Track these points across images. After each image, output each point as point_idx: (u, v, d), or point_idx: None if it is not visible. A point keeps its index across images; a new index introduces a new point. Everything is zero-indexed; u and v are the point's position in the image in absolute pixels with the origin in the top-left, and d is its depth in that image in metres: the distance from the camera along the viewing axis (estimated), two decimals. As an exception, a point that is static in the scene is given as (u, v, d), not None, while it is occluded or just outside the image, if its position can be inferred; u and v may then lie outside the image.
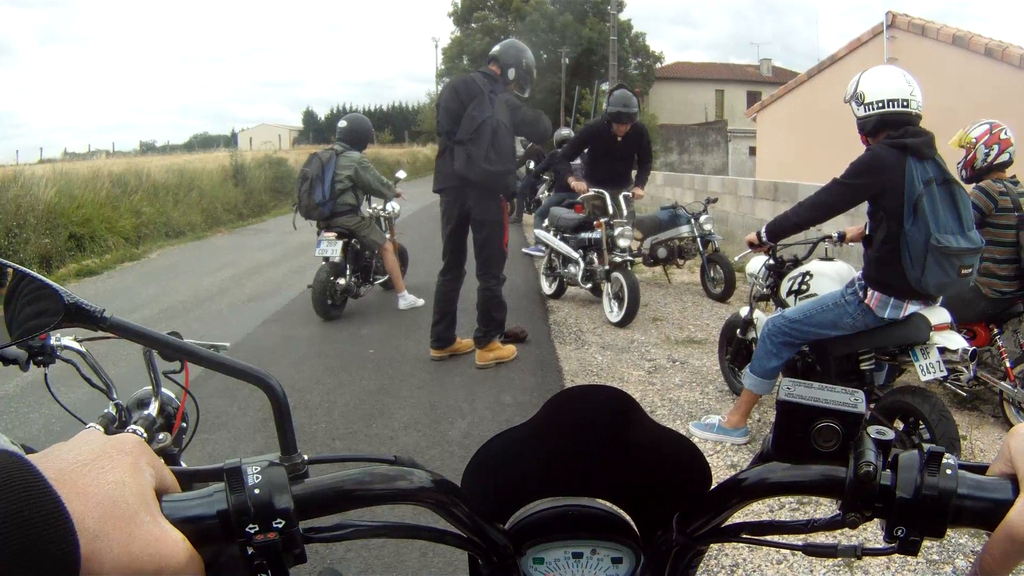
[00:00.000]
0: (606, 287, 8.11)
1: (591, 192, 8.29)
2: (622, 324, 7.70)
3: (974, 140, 4.97)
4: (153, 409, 2.33)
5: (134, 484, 0.56)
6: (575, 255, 8.53)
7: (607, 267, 7.96)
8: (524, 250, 12.59)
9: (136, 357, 2.32)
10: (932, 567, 3.35)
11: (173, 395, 2.43)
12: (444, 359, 6.58)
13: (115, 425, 2.24)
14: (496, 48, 6.34)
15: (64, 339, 2.22)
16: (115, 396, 2.33)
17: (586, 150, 9.00)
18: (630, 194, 8.35)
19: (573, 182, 8.48)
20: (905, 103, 3.93)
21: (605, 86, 32.49)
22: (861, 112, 4.06)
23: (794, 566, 3.35)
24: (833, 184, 4.12)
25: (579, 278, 8.46)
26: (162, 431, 2.28)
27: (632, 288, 7.59)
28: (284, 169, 24.19)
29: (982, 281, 4.80)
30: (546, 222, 9.56)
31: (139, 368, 2.30)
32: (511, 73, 6.17)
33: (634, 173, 8.77)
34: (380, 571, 3.30)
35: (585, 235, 8.47)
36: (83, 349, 2.29)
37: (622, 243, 7.90)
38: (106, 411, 2.28)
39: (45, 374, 2.28)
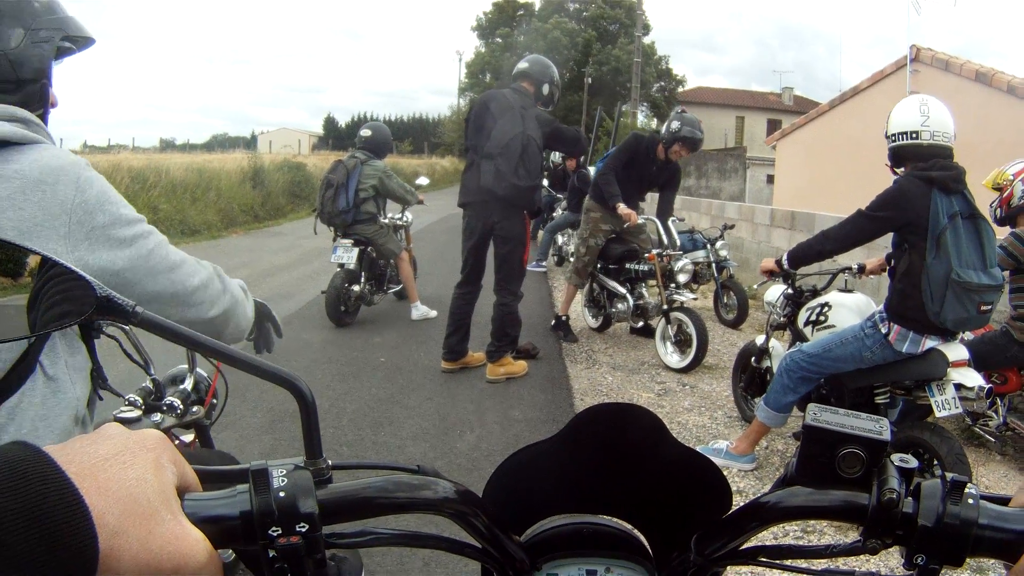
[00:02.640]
0: (662, 327, 7.20)
1: (640, 220, 7.47)
2: (686, 370, 6.86)
3: (1012, 177, 4.84)
4: (188, 384, 2.60)
5: (156, 481, 0.57)
6: (621, 290, 7.63)
7: (665, 305, 7.13)
8: (527, 267, 12.44)
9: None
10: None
11: (206, 373, 2.72)
12: (455, 371, 6.58)
13: (151, 398, 2.44)
14: (524, 65, 6.32)
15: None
16: (152, 372, 2.50)
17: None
18: (677, 221, 7.72)
19: (622, 209, 7.12)
20: (915, 135, 3.92)
21: (627, 107, 32.54)
22: (888, 144, 4.07)
23: (797, 596, 3.32)
24: (858, 216, 4.11)
25: (629, 315, 7.61)
26: (195, 405, 2.57)
27: (700, 331, 6.75)
28: (302, 174, 24.29)
29: (1015, 325, 4.73)
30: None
31: (170, 347, 2.52)
32: (545, 89, 6.17)
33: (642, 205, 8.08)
34: (383, 579, 3.30)
35: (632, 267, 7.63)
36: (127, 327, 2.41)
37: (682, 278, 7.18)
38: (144, 385, 2.47)
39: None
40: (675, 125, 7.27)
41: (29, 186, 1.48)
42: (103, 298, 0.66)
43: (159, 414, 2.43)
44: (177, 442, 2.40)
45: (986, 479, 4.63)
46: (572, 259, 8.29)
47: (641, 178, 7.54)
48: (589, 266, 7.78)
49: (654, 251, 7.30)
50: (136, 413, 2.35)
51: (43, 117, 1.72)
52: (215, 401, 2.75)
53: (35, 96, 1.72)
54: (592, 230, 7.62)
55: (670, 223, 7.62)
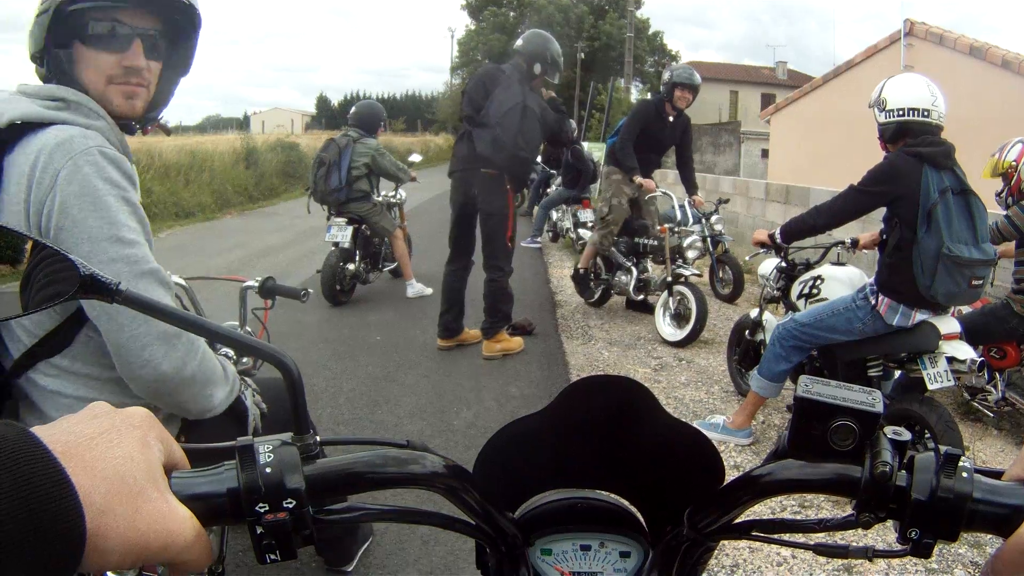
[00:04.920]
0: (664, 300, 7.24)
1: (658, 193, 7.62)
2: (683, 344, 6.90)
3: (1014, 163, 4.83)
4: None
5: (142, 459, 0.56)
6: (627, 263, 7.73)
7: (669, 278, 7.16)
8: (521, 243, 12.38)
9: (232, 296, 3.17)
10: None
11: (251, 331, 3.10)
12: (451, 349, 6.58)
13: None
14: (519, 42, 6.28)
15: (173, 276, 2.52)
16: None
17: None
18: (692, 201, 7.94)
19: (640, 179, 7.28)
20: (926, 112, 3.89)
21: (621, 82, 32.39)
22: (882, 118, 4.03)
23: (794, 568, 3.34)
24: (850, 191, 4.11)
25: (631, 288, 7.66)
26: (245, 356, 2.80)
27: (701, 306, 6.81)
28: (296, 153, 24.24)
29: (1016, 298, 4.71)
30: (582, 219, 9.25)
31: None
32: (537, 68, 6.09)
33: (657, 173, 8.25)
34: (382, 558, 3.31)
35: (640, 240, 7.66)
36: (187, 284, 2.67)
37: (691, 254, 7.27)
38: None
39: None
40: (667, 76, 7.52)
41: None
42: (87, 276, 0.65)
43: None
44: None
45: (983, 454, 4.65)
46: (593, 225, 8.24)
47: (658, 140, 7.66)
48: (613, 224, 7.70)
49: (666, 225, 7.36)
50: None
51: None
52: None
53: (53, 67, 1.75)
54: (615, 191, 7.61)
55: (686, 202, 7.95)
